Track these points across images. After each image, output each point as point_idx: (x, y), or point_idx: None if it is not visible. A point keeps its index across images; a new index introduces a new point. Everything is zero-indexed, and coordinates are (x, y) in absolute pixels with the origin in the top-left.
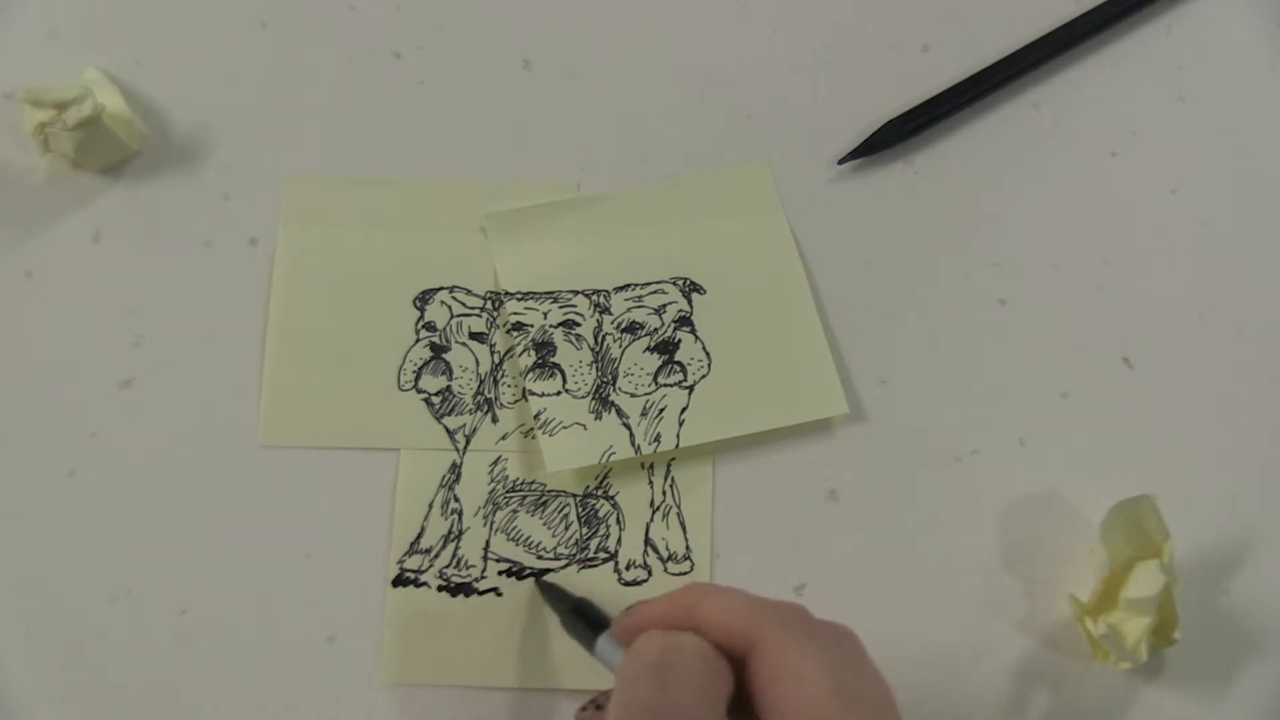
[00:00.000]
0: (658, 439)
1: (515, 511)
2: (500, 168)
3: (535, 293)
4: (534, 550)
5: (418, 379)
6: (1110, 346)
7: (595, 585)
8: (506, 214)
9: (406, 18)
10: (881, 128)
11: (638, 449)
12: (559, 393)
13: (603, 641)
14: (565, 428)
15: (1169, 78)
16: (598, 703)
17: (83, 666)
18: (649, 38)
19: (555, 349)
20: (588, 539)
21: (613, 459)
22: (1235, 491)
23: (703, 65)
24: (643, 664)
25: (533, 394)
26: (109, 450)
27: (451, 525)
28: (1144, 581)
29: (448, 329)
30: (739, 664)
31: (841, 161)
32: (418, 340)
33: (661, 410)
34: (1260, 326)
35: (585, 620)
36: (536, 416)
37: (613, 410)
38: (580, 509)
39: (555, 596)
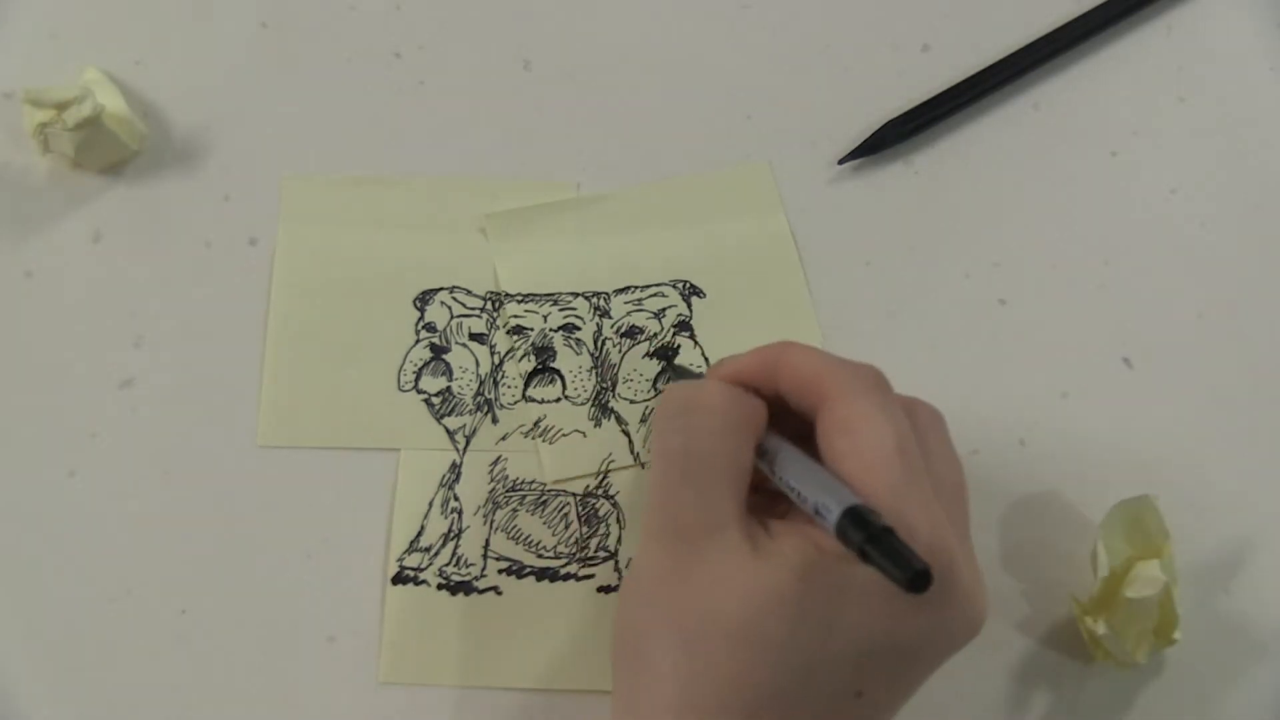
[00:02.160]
0: None
1: (515, 510)
2: (500, 168)
3: (535, 295)
4: (534, 549)
5: (418, 379)
6: (1110, 346)
7: (592, 585)
8: (506, 214)
9: (406, 18)
10: (881, 128)
11: (637, 456)
12: (559, 399)
13: None
14: (565, 435)
15: (1169, 78)
16: None
17: (83, 666)
18: (649, 38)
19: (555, 354)
20: (588, 538)
21: (612, 467)
22: (1235, 491)
23: (703, 65)
24: (667, 415)
25: (532, 400)
26: (109, 450)
27: (451, 524)
28: (1144, 581)
29: (448, 330)
30: (811, 418)
31: (841, 161)
32: (418, 341)
33: None
34: (1260, 326)
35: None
36: (536, 424)
37: (612, 417)
38: (580, 508)
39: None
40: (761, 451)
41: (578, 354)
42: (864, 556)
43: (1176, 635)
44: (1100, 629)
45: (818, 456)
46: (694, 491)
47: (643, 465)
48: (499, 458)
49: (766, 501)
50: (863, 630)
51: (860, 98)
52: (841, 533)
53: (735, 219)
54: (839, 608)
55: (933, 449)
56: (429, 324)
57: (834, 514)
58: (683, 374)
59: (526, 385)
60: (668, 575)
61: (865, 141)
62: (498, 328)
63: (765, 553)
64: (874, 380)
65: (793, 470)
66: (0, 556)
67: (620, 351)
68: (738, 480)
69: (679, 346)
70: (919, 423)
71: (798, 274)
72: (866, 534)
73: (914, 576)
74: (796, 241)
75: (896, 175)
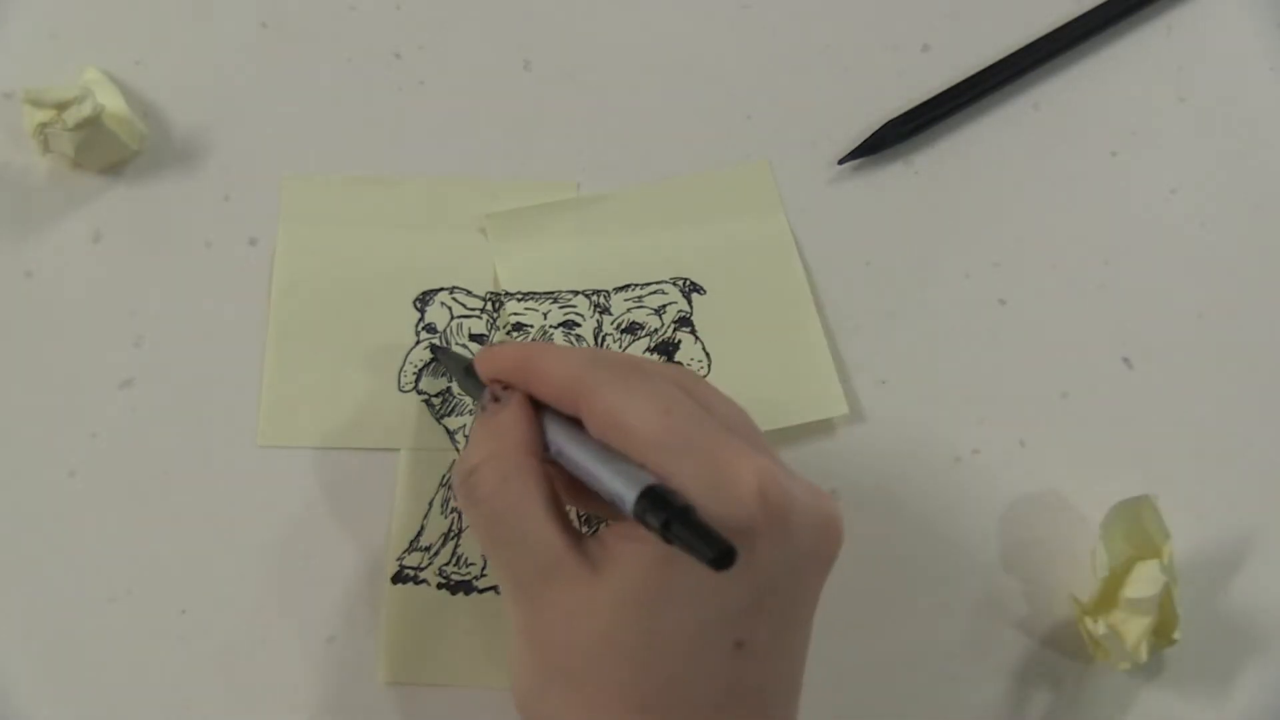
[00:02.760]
0: None
1: None
2: (500, 168)
3: (535, 293)
4: None
5: (418, 380)
6: (1110, 346)
7: None
8: (506, 214)
9: (406, 18)
10: (881, 128)
11: None
12: None
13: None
14: None
15: (1169, 78)
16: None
17: (83, 666)
18: (649, 38)
19: None
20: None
21: None
22: (1235, 491)
23: (703, 65)
24: (457, 493)
25: None
26: (109, 450)
27: (451, 523)
28: (1144, 581)
29: (448, 330)
30: (577, 420)
31: (841, 161)
32: (418, 342)
33: None
34: (1260, 326)
35: (476, 379)
36: None
37: None
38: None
39: (448, 360)
40: (549, 447)
41: None
42: (666, 538)
43: (1176, 635)
44: (1100, 629)
45: None
46: (513, 548)
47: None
48: None
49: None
50: (718, 594)
51: (860, 98)
52: (640, 517)
53: (735, 218)
54: (688, 585)
55: (705, 398)
56: (429, 325)
57: (629, 500)
58: (449, 358)
59: None
60: (527, 626)
61: (865, 141)
62: (498, 328)
63: (601, 567)
64: (624, 365)
65: (582, 465)
66: (0, 556)
67: (621, 347)
68: (545, 508)
69: (679, 342)
70: (683, 384)
71: (798, 272)
72: (667, 515)
73: (719, 555)
74: (797, 241)
75: (896, 175)
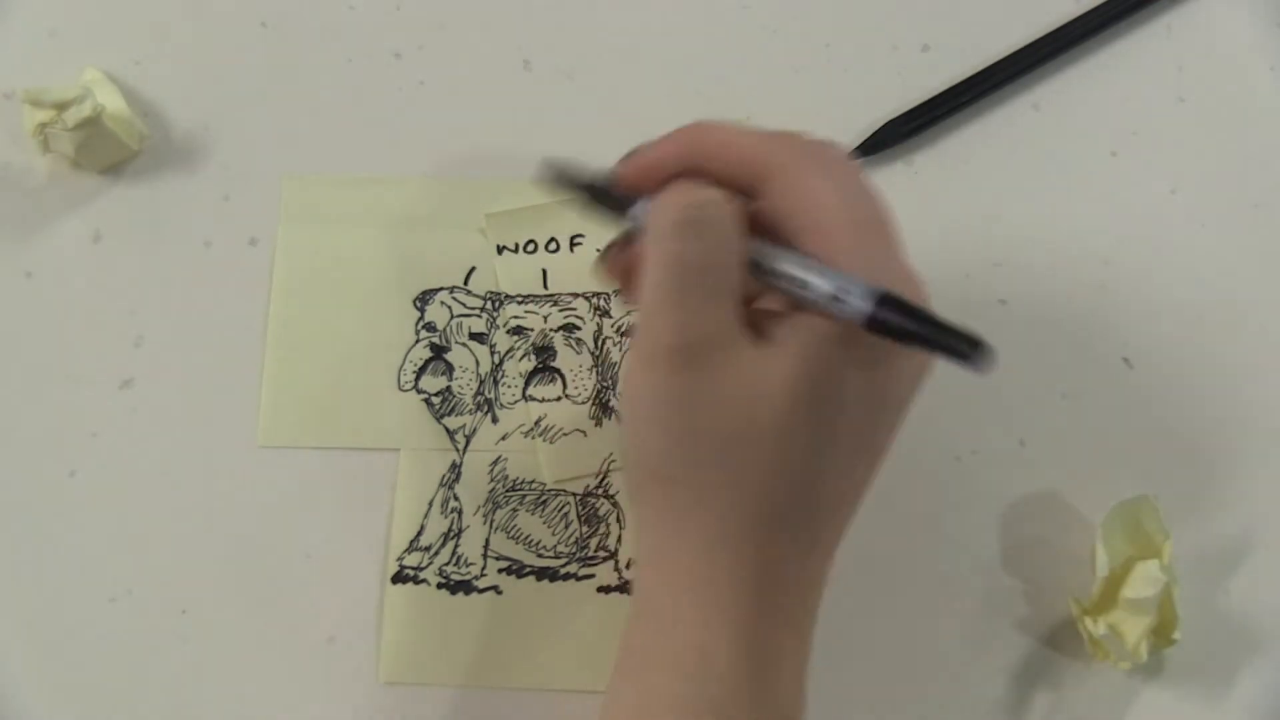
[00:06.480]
0: None
1: (515, 510)
2: (500, 168)
3: (535, 296)
4: (534, 548)
5: (418, 379)
6: (1110, 346)
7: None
8: (506, 214)
9: (406, 18)
10: (881, 128)
11: None
12: (559, 398)
13: (637, 209)
14: (565, 434)
15: (1169, 78)
16: (629, 238)
17: (83, 666)
18: (649, 38)
19: (555, 353)
20: (588, 538)
21: (613, 468)
22: (1235, 491)
23: (703, 65)
24: (673, 221)
25: (533, 399)
26: (109, 450)
27: (451, 523)
28: (1144, 581)
29: (448, 329)
30: (749, 195)
31: None
32: (418, 340)
33: None
34: (1260, 326)
35: (604, 199)
36: (537, 423)
37: (613, 416)
38: (580, 508)
39: (565, 184)
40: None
41: (578, 353)
42: (910, 340)
43: (1176, 635)
44: (1100, 629)
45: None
46: (709, 305)
47: None
48: (499, 457)
49: None
50: (868, 396)
51: (860, 98)
52: (879, 320)
53: None
54: (848, 382)
55: (866, 195)
56: (429, 324)
57: (861, 304)
58: (566, 181)
59: (527, 384)
60: (684, 397)
61: (865, 141)
62: (498, 327)
63: (771, 354)
64: (810, 148)
65: (790, 263)
66: (0, 556)
67: (621, 350)
68: (741, 288)
69: None
70: (848, 174)
71: None
72: (915, 319)
73: (976, 352)
74: None
75: (896, 175)
